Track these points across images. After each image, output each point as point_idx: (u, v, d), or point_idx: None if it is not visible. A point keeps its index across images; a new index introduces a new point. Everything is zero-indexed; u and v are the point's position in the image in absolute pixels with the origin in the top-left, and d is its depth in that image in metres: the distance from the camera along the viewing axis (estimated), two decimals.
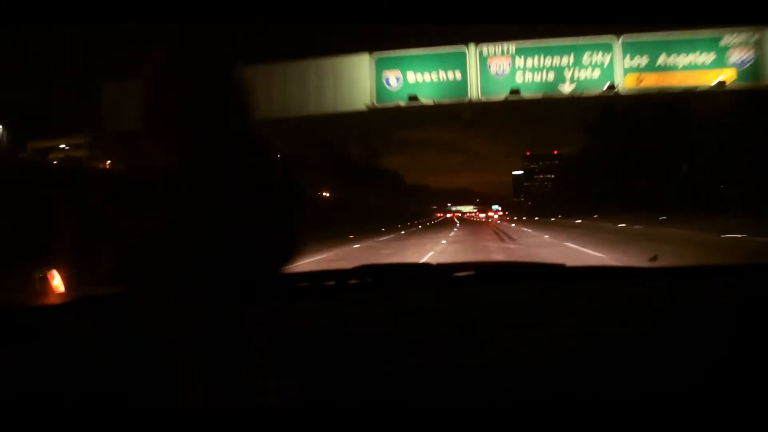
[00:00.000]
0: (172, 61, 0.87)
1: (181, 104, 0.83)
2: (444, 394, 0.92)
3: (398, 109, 14.90)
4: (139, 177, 0.84)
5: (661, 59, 13.14)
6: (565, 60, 13.76)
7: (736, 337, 1.06)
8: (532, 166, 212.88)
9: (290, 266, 0.93)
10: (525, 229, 30.46)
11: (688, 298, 1.28)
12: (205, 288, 0.82)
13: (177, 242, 0.79)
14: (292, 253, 0.92)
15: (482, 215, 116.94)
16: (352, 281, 1.45)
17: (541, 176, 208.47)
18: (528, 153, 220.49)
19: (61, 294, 0.84)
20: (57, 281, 0.79)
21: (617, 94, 14.06)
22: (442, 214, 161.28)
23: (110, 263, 0.86)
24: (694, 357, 1.01)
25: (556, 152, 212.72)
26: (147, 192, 0.82)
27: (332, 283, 1.46)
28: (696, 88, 13.72)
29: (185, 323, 0.82)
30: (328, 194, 55.31)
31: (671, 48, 13.05)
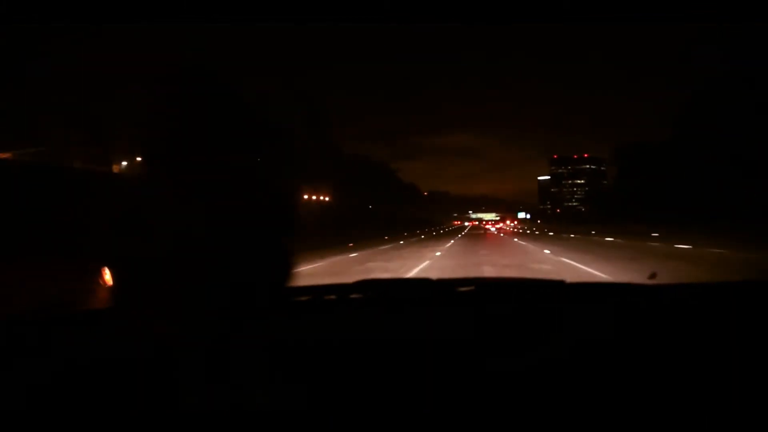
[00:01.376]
0: (174, 80, 0.93)
1: (183, 127, 0.90)
2: (443, 407, 0.97)
3: None
4: (138, 198, 0.92)
5: None
6: None
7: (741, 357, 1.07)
8: (559, 170, 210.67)
9: (288, 280, 1.01)
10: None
11: (684, 316, 1.32)
12: (206, 304, 0.90)
13: (174, 260, 0.88)
14: (288, 267, 1.00)
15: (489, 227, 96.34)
16: (353, 296, 1.54)
17: (570, 181, 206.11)
18: (555, 156, 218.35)
19: (110, 287, 0.93)
20: (108, 276, 0.89)
21: None
22: (459, 222, 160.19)
23: (112, 281, 0.95)
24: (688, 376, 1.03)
25: (587, 155, 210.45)
26: (146, 214, 0.90)
27: (333, 297, 1.54)
28: None
29: (185, 338, 0.90)
30: (319, 198, 50.50)
31: None
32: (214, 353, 0.90)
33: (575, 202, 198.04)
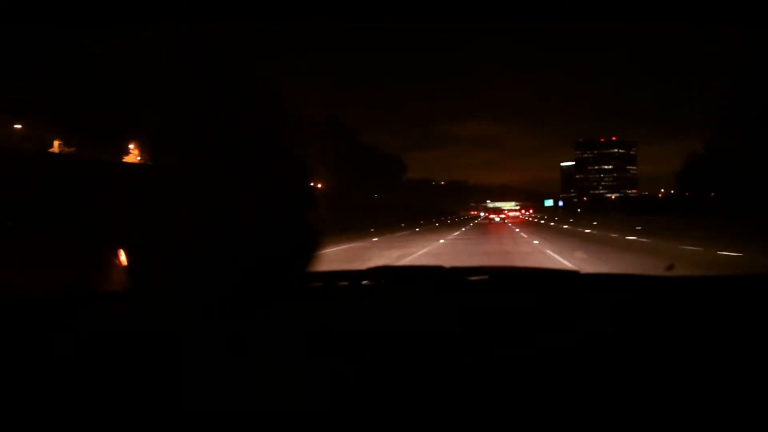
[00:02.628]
0: (195, 58, 1.02)
1: (203, 104, 0.98)
2: (452, 396, 0.99)
3: None
4: (154, 175, 1.01)
5: None
6: None
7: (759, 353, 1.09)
8: (585, 155, 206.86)
9: (309, 266, 1.09)
10: None
11: (700, 309, 1.35)
12: (221, 288, 1.00)
13: (192, 241, 0.97)
14: (311, 253, 1.09)
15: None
16: (365, 282, 1.60)
17: (596, 166, 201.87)
18: (581, 139, 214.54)
19: (125, 267, 1.00)
20: (123, 257, 0.98)
21: None
22: (476, 212, 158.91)
23: (127, 261, 1.05)
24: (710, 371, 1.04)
25: (615, 138, 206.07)
26: (163, 190, 1.00)
27: (345, 283, 1.61)
28: None
29: (199, 323, 0.93)
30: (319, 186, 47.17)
31: None
32: (227, 339, 0.94)
33: (603, 189, 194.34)
